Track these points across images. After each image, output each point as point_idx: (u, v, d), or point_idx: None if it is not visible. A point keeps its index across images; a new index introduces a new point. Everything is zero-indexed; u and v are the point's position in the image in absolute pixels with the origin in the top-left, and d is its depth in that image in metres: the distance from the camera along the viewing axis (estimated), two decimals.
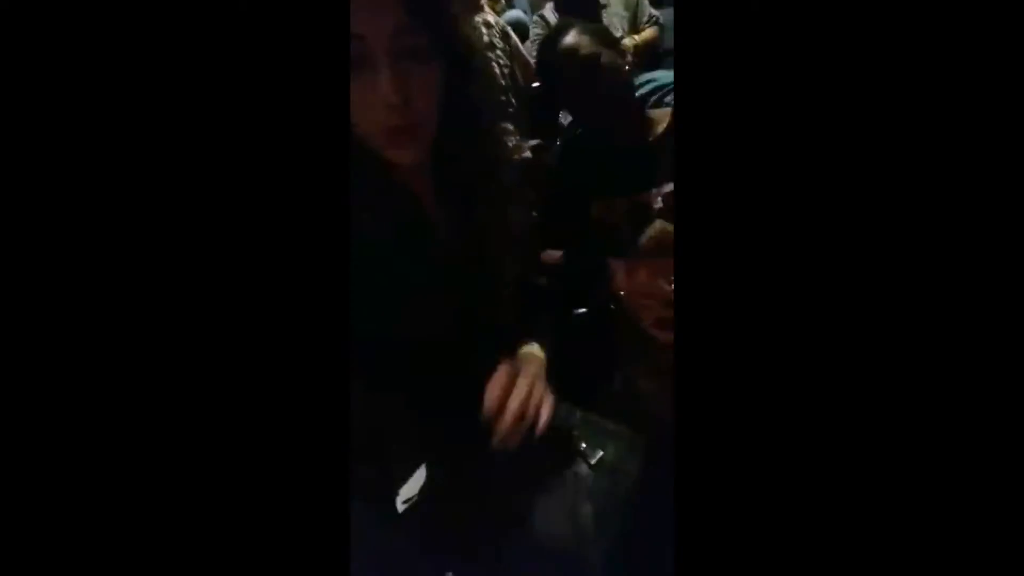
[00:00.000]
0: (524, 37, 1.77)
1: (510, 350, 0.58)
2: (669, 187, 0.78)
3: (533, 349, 0.58)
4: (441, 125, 0.51)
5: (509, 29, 1.55)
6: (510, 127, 1.28)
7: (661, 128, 0.89)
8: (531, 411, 0.49)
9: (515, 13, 2.18)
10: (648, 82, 1.29)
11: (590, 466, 0.54)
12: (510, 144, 1.26)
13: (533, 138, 1.49)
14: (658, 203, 0.80)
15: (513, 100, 1.44)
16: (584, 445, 0.55)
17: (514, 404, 0.49)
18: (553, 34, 0.93)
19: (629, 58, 0.92)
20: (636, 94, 1.03)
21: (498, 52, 1.41)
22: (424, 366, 0.52)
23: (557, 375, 0.58)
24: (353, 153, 0.47)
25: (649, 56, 1.81)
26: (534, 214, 0.64)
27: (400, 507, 0.52)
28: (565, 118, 1.51)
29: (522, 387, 0.50)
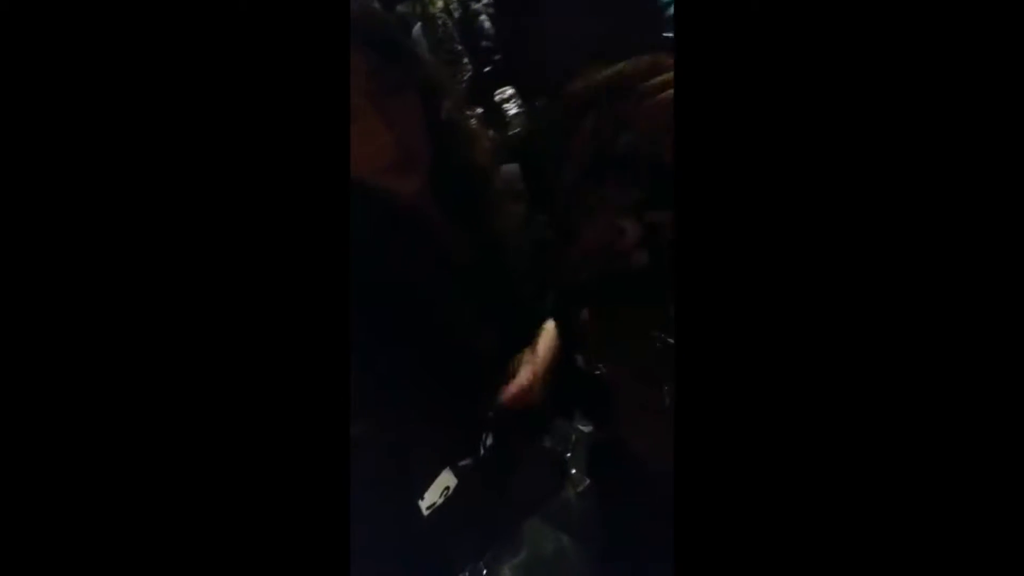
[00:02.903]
0: None
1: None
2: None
3: (545, 326, 0.64)
4: (434, 146, 0.54)
5: None
6: (509, 91, 1.25)
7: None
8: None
9: None
10: None
11: (576, 493, 0.58)
12: (511, 113, 1.25)
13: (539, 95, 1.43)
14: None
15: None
16: (574, 471, 0.58)
17: (512, 387, 0.57)
18: None
19: None
20: None
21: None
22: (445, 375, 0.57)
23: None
24: (354, 193, 0.52)
25: None
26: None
27: (425, 512, 0.58)
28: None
29: (527, 373, 0.58)
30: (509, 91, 1.26)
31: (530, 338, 0.64)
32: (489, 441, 0.60)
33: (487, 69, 1.31)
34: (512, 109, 1.25)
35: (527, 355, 0.60)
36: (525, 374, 0.58)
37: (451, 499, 0.57)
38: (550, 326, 0.64)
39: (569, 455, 0.59)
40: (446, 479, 0.59)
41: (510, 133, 1.19)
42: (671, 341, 0.47)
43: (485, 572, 0.55)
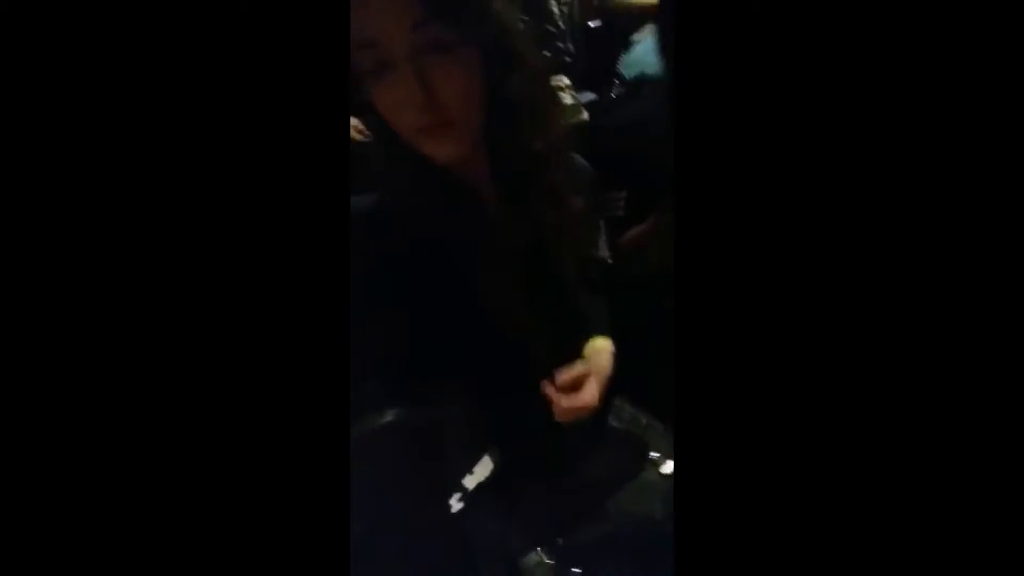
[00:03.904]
0: None
1: (576, 342, 0.62)
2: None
3: (602, 343, 0.63)
4: (488, 111, 0.51)
5: None
6: (564, 82, 1.21)
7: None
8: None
9: None
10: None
11: (661, 474, 0.59)
12: (566, 103, 1.20)
13: (589, 90, 1.40)
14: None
15: (571, 46, 1.35)
16: (657, 454, 0.59)
17: (578, 403, 0.55)
18: None
19: None
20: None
21: None
22: (484, 356, 0.55)
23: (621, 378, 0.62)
24: (393, 148, 0.51)
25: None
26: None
27: (471, 489, 0.56)
28: (626, 66, 1.41)
29: (592, 389, 0.56)
30: (565, 80, 1.22)
31: (573, 332, 0.63)
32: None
33: (546, 54, 1.26)
34: (567, 99, 1.20)
35: (590, 366, 0.58)
36: (591, 391, 0.56)
37: (525, 477, 0.56)
38: (606, 344, 0.63)
39: (646, 438, 0.61)
40: (488, 462, 0.58)
41: (560, 123, 1.15)
42: None
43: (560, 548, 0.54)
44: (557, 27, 1.32)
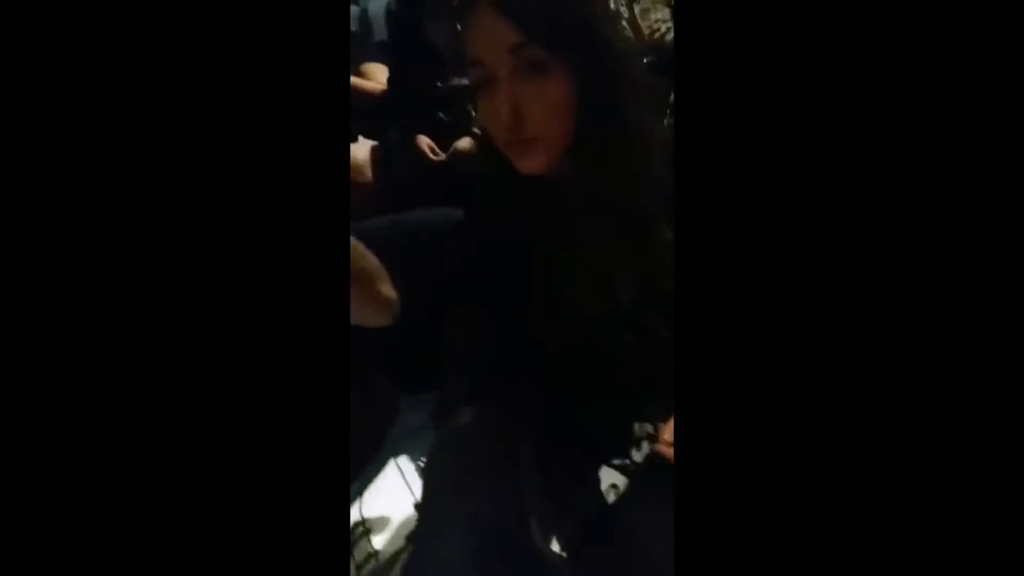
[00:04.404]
0: None
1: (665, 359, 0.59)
2: None
3: None
4: (579, 130, 0.52)
5: None
6: None
7: None
8: None
9: None
10: None
11: None
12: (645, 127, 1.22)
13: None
14: None
15: None
16: None
17: None
18: None
19: None
20: None
21: (623, 23, 1.35)
22: (567, 366, 0.54)
23: None
24: (492, 158, 0.55)
25: None
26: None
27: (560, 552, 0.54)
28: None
29: None
30: None
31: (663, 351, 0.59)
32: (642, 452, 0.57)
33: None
34: None
35: None
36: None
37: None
38: None
39: None
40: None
41: (652, 142, 1.15)
42: None
43: None
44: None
